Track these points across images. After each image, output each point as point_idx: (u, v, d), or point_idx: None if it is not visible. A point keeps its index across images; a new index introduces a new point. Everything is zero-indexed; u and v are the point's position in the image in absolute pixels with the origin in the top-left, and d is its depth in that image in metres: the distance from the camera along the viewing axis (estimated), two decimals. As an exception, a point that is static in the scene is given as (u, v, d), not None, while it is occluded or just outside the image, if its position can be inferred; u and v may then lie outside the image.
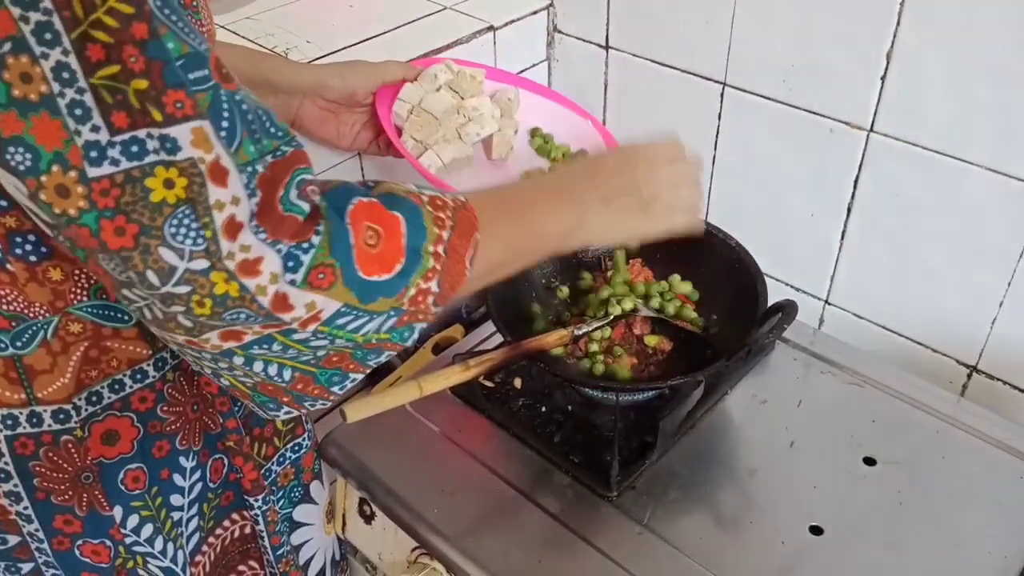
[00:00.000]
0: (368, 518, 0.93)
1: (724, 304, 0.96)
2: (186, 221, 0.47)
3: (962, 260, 0.97)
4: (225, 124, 0.48)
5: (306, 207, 0.52)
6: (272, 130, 0.52)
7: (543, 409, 0.94)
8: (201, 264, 0.48)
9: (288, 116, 0.89)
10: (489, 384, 0.97)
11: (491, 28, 1.15)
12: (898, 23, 0.89)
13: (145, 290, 0.49)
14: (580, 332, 0.88)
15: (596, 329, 0.90)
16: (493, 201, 0.66)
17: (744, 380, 0.97)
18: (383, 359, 0.60)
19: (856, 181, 1.01)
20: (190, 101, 0.47)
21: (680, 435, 0.90)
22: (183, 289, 0.49)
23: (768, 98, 1.04)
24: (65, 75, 0.44)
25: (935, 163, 0.93)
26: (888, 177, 0.98)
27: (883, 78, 0.93)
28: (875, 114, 0.95)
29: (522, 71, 1.23)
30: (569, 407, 0.94)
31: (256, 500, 0.78)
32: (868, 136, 0.97)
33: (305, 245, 0.51)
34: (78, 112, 0.45)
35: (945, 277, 0.99)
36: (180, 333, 0.52)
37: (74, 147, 0.45)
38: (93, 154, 0.45)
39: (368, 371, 0.60)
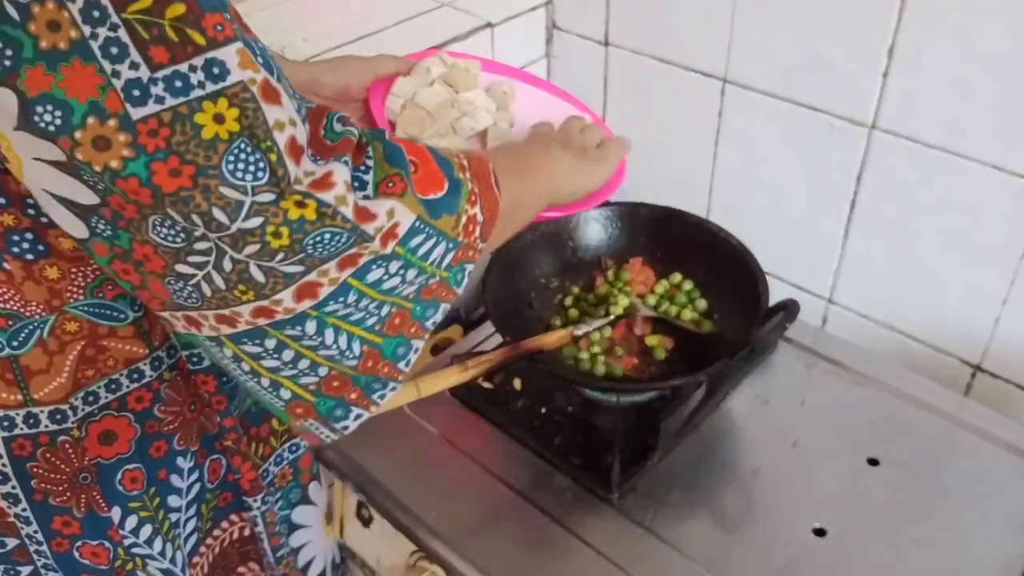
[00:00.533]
0: (366, 521, 0.92)
1: (726, 303, 0.95)
2: (243, 155, 0.46)
3: (965, 258, 0.96)
4: (261, 57, 0.47)
5: (354, 130, 0.52)
6: (292, 91, 0.51)
7: (543, 410, 0.94)
8: (268, 196, 0.47)
9: None
10: (489, 385, 0.96)
11: (489, 25, 1.14)
12: (899, 19, 0.88)
13: (214, 234, 0.47)
14: (580, 332, 0.87)
15: (596, 329, 0.89)
16: (503, 152, 0.72)
17: (747, 380, 0.96)
18: (439, 317, 0.60)
19: (858, 178, 1.00)
20: (229, 25, 0.45)
21: (682, 436, 0.89)
22: (255, 222, 0.47)
23: (769, 95, 1.03)
24: (95, 13, 0.42)
25: (937, 160, 0.92)
26: (890, 174, 0.97)
27: (885, 74, 0.92)
28: (877, 111, 0.94)
29: (521, 68, 1.22)
30: (569, 408, 0.94)
31: (255, 501, 0.77)
32: (870, 133, 0.96)
33: (363, 168, 0.51)
34: (114, 50, 0.42)
35: (948, 275, 0.98)
36: (250, 298, 0.50)
37: (112, 92, 0.43)
38: (136, 93, 0.43)
39: (427, 337, 0.60)
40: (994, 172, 0.89)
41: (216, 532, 0.78)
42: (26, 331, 0.57)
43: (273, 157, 0.46)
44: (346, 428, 0.60)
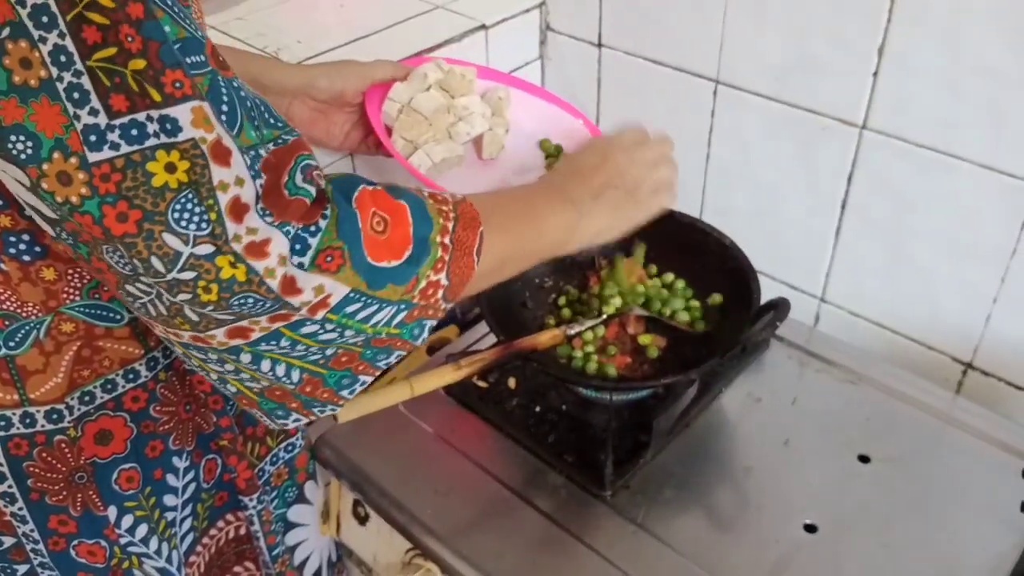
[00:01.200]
0: (362, 519, 0.93)
1: (718, 301, 0.95)
2: (189, 205, 0.47)
3: (956, 257, 0.97)
4: (225, 108, 0.48)
5: (312, 190, 0.52)
6: (271, 120, 0.51)
7: (537, 409, 0.94)
8: (206, 249, 0.48)
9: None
10: (483, 384, 0.97)
11: (483, 27, 1.14)
12: (889, 19, 0.89)
13: (151, 278, 0.49)
14: (573, 331, 0.88)
15: (589, 328, 0.90)
16: (492, 200, 0.66)
17: (739, 378, 0.97)
18: (393, 360, 0.60)
19: (850, 178, 1.01)
20: (188, 81, 0.46)
21: (674, 434, 0.90)
22: (188, 275, 0.48)
23: (761, 95, 1.04)
24: (62, 58, 0.43)
25: (928, 159, 0.93)
26: (881, 174, 0.98)
27: (875, 74, 0.93)
28: (867, 111, 0.95)
29: (515, 70, 1.23)
30: (563, 406, 0.94)
31: (251, 500, 0.78)
32: (861, 133, 0.97)
33: (312, 228, 0.50)
34: (76, 96, 0.44)
35: (939, 274, 0.99)
36: (186, 329, 0.51)
37: (74, 132, 0.45)
38: (92, 138, 0.45)
39: (378, 373, 0.60)
40: (984, 171, 0.90)
41: (212, 531, 0.78)
42: (23, 331, 0.58)
43: (213, 216, 0.47)
44: (286, 425, 0.61)
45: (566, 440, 0.90)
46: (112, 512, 0.67)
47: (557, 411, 0.94)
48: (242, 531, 0.81)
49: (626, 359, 0.91)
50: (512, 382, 0.97)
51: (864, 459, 0.87)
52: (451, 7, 1.19)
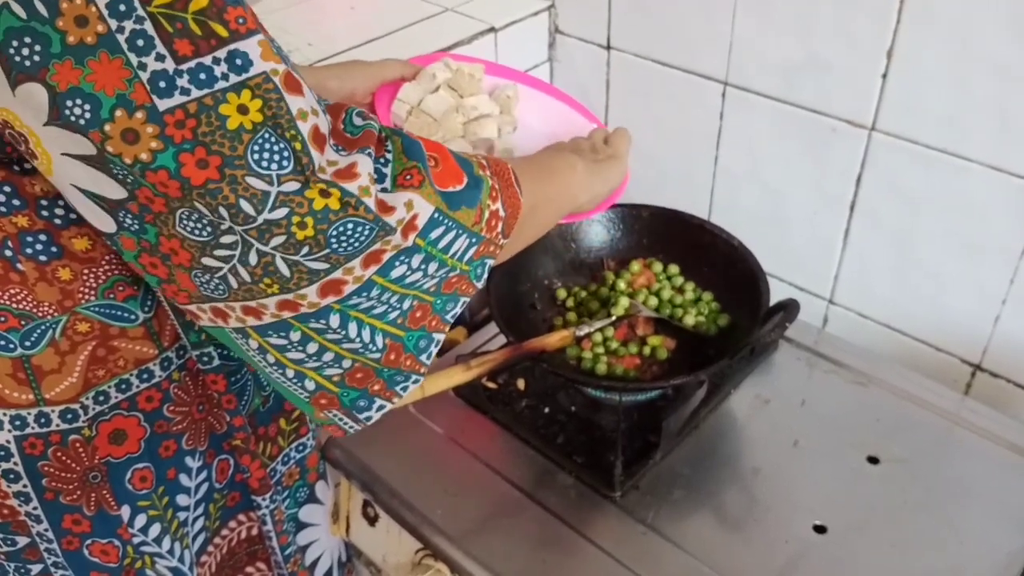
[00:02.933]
0: (372, 520, 0.93)
1: (727, 303, 0.96)
2: (268, 145, 0.46)
3: (965, 258, 0.97)
4: (279, 53, 0.48)
5: (375, 123, 0.53)
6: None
7: (546, 410, 0.94)
8: (294, 185, 0.47)
9: None
10: (492, 385, 0.97)
11: (492, 29, 1.15)
12: (898, 21, 0.89)
13: (240, 226, 0.47)
14: (582, 333, 0.88)
15: (598, 329, 0.90)
16: (518, 160, 0.69)
17: (748, 379, 0.97)
18: (459, 309, 0.61)
19: (858, 179, 1.01)
20: (251, 17, 0.46)
21: (684, 435, 0.90)
22: (280, 213, 0.47)
23: (769, 97, 1.04)
24: (122, 7, 0.43)
25: (937, 161, 0.93)
26: (890, 175, 0.98)
27: (884, 76, 0.93)
28: (876, 112, 0.95)
29: (524, 71, 1.23)
30: (572, 408, 0.95)
31: (263, 500, 0.78)
32: (870, 134, 0.97)
33: (383, 160, 0.52)
34: (140, 43, 0.43)
35: (948, 275, 0.99)
36: (275, 291, 0.50)
37: (138, 85, 0.44)
38: (162, 84, 0.44)
39: (447, 329, 0.61)
40: (993, 172, 0.90)
41: (224, 532, 0.79)
42: (38, 331, 0.58)
43: (298, 146, 0.47)
44: (369, 419, 0.60)
45: (575, 441, 0.90)
46: (126, 511, 0.68)
47: (566, 412, 0.94)
48: (254, 531, 0.81)
49: (635, 360, 0.92)
50: (521, 383, 0.97)
51: (873, 460, 0.88)
52: (460, 10, 1.19)
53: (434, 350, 0.61)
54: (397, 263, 0.53)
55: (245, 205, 0.47)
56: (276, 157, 0.46)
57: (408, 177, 0.52)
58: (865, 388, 0.96)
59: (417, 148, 0.54)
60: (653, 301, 0.96)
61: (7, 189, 0.53)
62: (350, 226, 0.49)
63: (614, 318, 0.92)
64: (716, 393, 0.94)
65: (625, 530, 0.82)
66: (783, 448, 0.89)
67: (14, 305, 0.57)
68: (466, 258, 0.57)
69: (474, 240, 0.57)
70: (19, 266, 0.56)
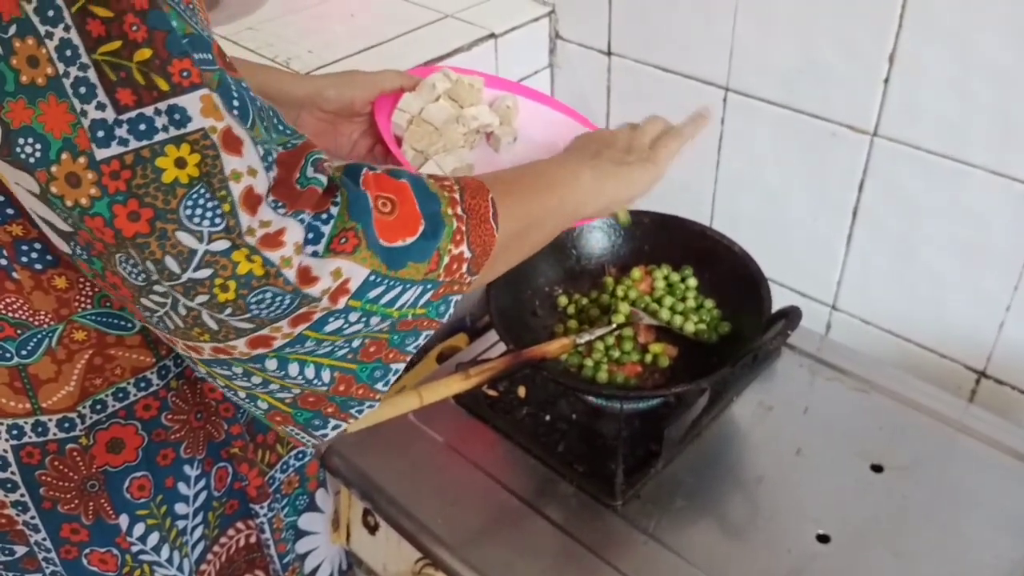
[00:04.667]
0: (372, 528, 0.93)
1: (728, 310, 0.95)
2: (201, 201, 0.46)
3: (968, 264, 0.96)
4: (236, 102, 0.47)
5: (323, 179, 0.51)
6: (280, 126, 0.51)
7: (547, 418, 0.94)
8: (221, 245, 0.47)
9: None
10: (493, 393, 0.97)
11: (492, 36, 1.15)
12: (899, 26, 0.89)
13: (165, 282, 0.47)
14: (583, 340, 0.88)
15: (599, 338, 0.90)
16: (495, 173, 0.66)
17: (750, 387, 0.97)
18: (421, 341, 0.59)
19: (860, 185, 1.00)
20: (197, 71, 0.45)
21: (685, 443, 0.90)
22: (204, 273, 0.47)
23: (770, 102, 1.03)
24: (68, 52, 0.43)
25: (939, 166, 0.93)
26: (892, 181, 0.97)
27: (886, 81, 0.92)
28: (878, 118, 0.95)
29: (524, 78, 1.23)
30: (573, 416, 0.94)
31: (261, 508, 0.78)
32: (872, 140, 0.97)
33: (324, 216, 0.49)
34: (82, 90, 0.43)
35: (951, 282, 0.98)
36: (206, 340, 0.50)
37: (81, 130, 0.44)
38: (100, 134, 0.44)
39: (408, 359, 0.59)
40: (996, 178, 0.89)
41: (223, 540, 0.79)
42: (35, 340, 0.58)
43: (227, 208, 0.46)
44: (325, 436, 0.60)
45: (576, 449, 0.90)
46: (124, 520, 0.67)
47: (567, 420, 0.94)
48: (252, 539, 0.81)
49: (637, 368, 0.91)
50: (522, 391, 0.97)
51: (877, 468, 0.87)
52: (461, 16, 1.19)
53: (392, 378, 0.59)
54: (332, 319, 0.52)
55: (171, 263, 0.46)
56: (208, 214, 0.46)
57: (343, 241, 0.50)
58: (868, 395, 0.95)
59: (362, 204, 0.51)
60: (654, 308, 0.95)
61: (0, 199, 0.53)
62: (269, 294, 0.49)
63: (614, 326, 0.91)
64: (718, 401, 0.93)
65: (626, 539, 0.81)
66: (786, 456, 0.89)
67: (10, 314, 0.57)
68: (420, 303, 0.56)
69: (429, 287, 0.55)
70: (15, 275, 0.56)
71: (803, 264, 1.11)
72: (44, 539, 0.65)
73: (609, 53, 1.18)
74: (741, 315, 0.92)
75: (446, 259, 0.55)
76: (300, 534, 0.86)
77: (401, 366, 0.59)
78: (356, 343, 0.55)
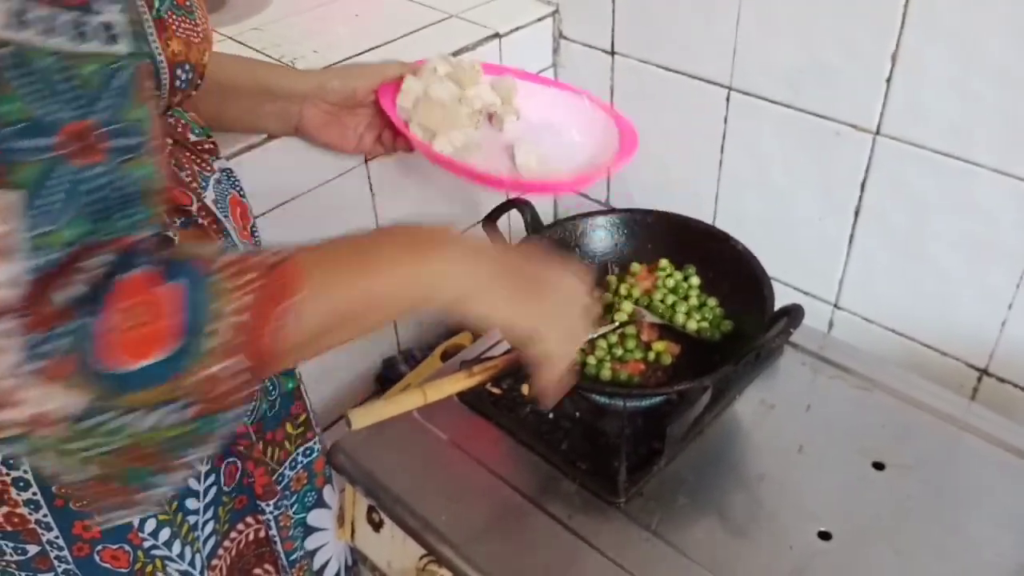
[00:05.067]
0: (377, 526, 0.93)
1: (731, 308, 0.95)
2: None
3: (971, 262, 0.96)
4: (41, 201, 0.44)
5: (78, 291, 0.45)
6: (133, 212, 0.48)
7: (550, 416, 0.94)
8: None
9: (290, 123, 0.90)
10: (496, 391, 0.97)
11: (497, 35, 1.15)
12: (902, 25, 0.89)
13: None
14: (587, 337, 0.88)
15: (601, 335, 0.90)
16: (335, 253, 0.57)
17: (752, 385, 0.97)
18: (205, 454, 0.52)
19: (863, 184, 1.01)
20: (3, 168, 0.43)
21: (688, 441, 0.90)
22: None
23: (774, 102, 1.04)
24: None
25: (942, 165, 0.93)
26: (895, 179, 0.98)
27: (888, 80, 0.93)
28: (881, 116, 0.95)
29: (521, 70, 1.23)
30: (576, 413, 0.94)
31: (268, 505, 0.78)
32: (874, 139, 0.97)
33: (52, 334, 0.44)
34: None
35: (954, 280, 0.99)
36: None
37: None
38: None
39: (191, 469, 0.53)
40: (999, 176, 0.90)
41: (232, 534, 0.79)
42: None
43: None
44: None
45: (579, 447, 0.90)
46: (135, 517, 0.68)
47: (570, 418, 0.94)
48: (261, 534, 0.82)
49: (640, 366, 0.92)
50: (525, 389, 0.97)
51: (879, 466, 0.87)
52: (465, 16, 1.20)
53: (169, 488, 0.52)
54: (58, 433, 0.46)
55: None
56: None
57: (57, 366, 0.44)
58: (870, 393, 0.96)
59: (87, 329, 0.44)
60: (657, 306, 0.96)
61: None
62: None
63: (617, 324, 0.92)
64: (720, 399, 0.94)
65: (629, 536, 0.82)
66: (788, 454, 0.89)
67: None
68: (174, 422, 0.48)
69: (180, 406, 0.48)
70: None
71: (806, 262, 1.12)
72: (56, 537, 0.66)
73: (613, 53, 1.18)
74: (743, 313, 0.92)
75: (198, 377, 0.48)
76: (309, 530, 0.86)
77: (183, 474, 0.53)
78: (120, 444, 0.49)
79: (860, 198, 1.02)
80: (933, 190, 0.95)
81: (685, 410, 0.87)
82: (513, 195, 1.00)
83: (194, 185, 0.71)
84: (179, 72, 0.62)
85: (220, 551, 0.78)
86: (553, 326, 0.67)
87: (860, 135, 0.98)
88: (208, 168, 0.75)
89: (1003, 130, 0.87)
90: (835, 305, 1.12)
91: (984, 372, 1.01)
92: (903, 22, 0.89)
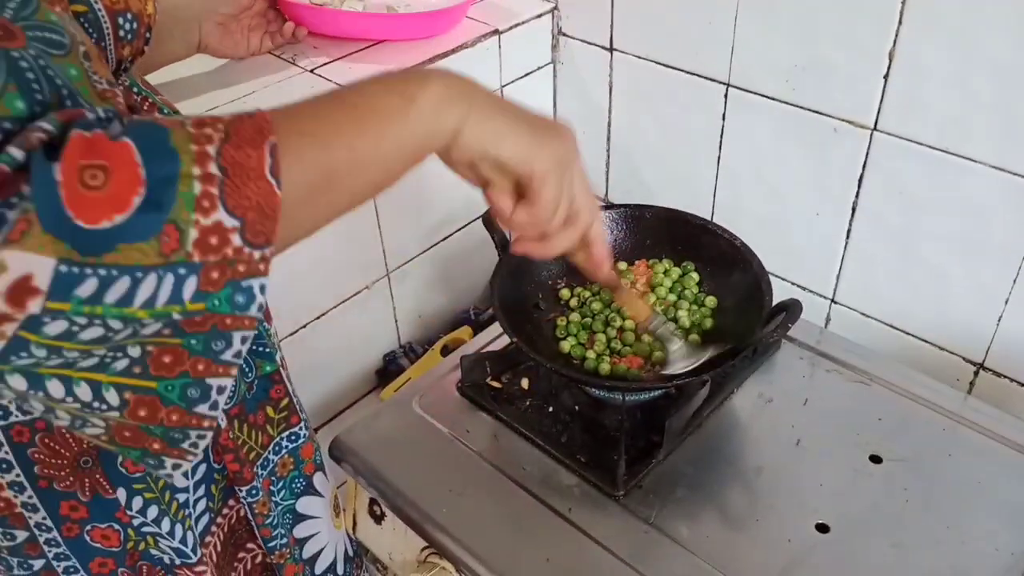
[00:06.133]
0: (378, 518, 0.94)
1: (730, 303, 0.96)
2: None
3: (968, 257, 0.97)
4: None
5: (18, 155, 0.41)
6: (64, 91, 0.45)
7: (550, 409, 0.95)
8: None
9: (193, 41, 0.98)
10: (497, 384, 0.98)
11: (496, 32, 1.15)
12: (900, 21, 0.90)
13: None
14: (655, 323, 0.86)
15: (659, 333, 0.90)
16: (292, 108, 0.51)
17: (750, 379, 0.97)
18: (240, 346, 0.48)
19: (860, 180, 1.01)
20: None
21: (686, 434, 0.91)
22: None
23: (772, 98, 1.04)
24: None
25: (939, 161, 0.93)
26: (892, 175, 0.98)
27: (886, 76, 0.93)
28: (878, 112, 0.96)
29: (528, 74, 1.24)
30: (576, 407, 0.95)
31: (240, 491, 0.77)
32: (872, 135, 0.97)
33: (14, 200, 0.40)
34: None
35: (951, 275, 0.99)
36: None
37: None
38: None
39: (234, 372, 0.48)
40: (995, 172, 0.90)
41: (225, 511, 0.78)
42: None
43: None
44: (170, 476, 0.51)
45: (579, 440, 0.91)
46: (122, 494, 0.66)
47: (570, 412, 0.95)
48: (243, 512, 0.80)
49: (638, 359, 0.92)
50: (525, 382, 0.98)
51: (876, 459, 0.88)
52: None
53: (219, 398, 0.48)
54: (48, 320, 0.41)
55: None
56: None
57: (16, 229, 0.40)
58: (867, 387, 0.96)
59: (43, 182, 0.40)
60: (671, 311, 0.96)
61: None
62: None
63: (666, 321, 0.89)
64: (719, 393, 0.94)
65: (628, 529, 0.82)
66: (785, 447, 0.90)
67: None
68: (185, 296, 0.44)
69: (181, 271, 0.43)
70: None
71: (803, 258, 1.12)
72: (44, 518, 0.65)
73: (611, 49, 1.19)
74: (742, 308, 0.93)
75: (193, 233, 0.43)
76: (299, 518, 0.85)
77: (224, 381, 0.48)
78: (135, 351, 0.45)
79: (857, 194, 1.02)
80: (930, 186, 0.96)
81: (684, 404, 0.88)
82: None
83: None
84: (121, 22, 0.62)
85: (213, 527, 0.77)
86: (568, 167, 0.60)
87: (858, 131, 0.98)
88: None
89: (1000, 126, 0.88)
90: (832, 300, 1.12)
91: (981, 366, 1.02)
92: (901, 19, 0.89)
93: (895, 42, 0.91)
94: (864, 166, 1.00)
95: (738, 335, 0.89)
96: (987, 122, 0.89)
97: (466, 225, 1.28)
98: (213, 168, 0.44)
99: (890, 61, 0.92)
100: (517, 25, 1.18)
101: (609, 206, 1.04)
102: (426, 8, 1.15)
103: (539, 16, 1.21)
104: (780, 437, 0.91)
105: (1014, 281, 0.94)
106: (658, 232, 1.02)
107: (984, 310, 0.98)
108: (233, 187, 0.44)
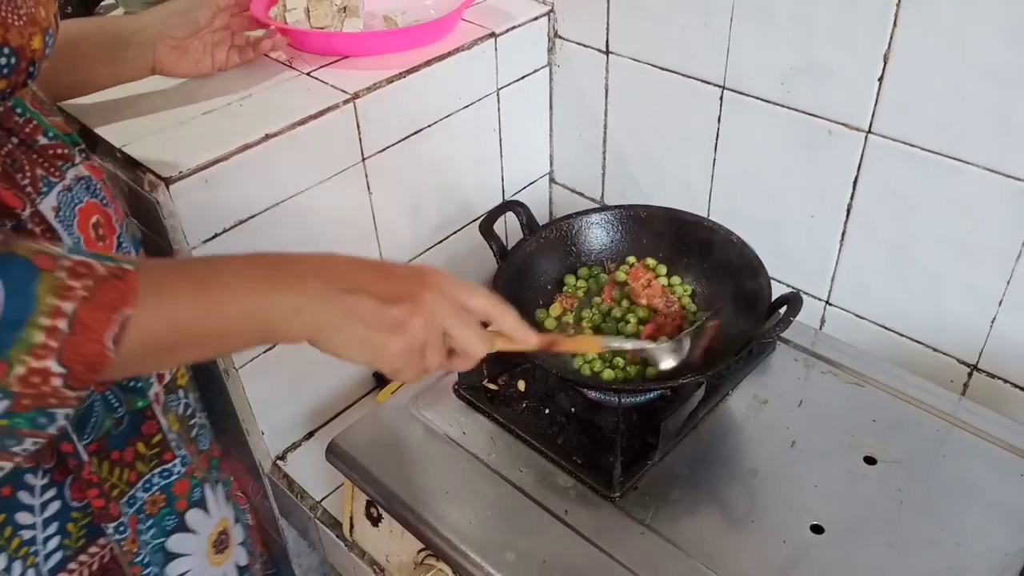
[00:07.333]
0: (375, 520, 0.94)
1: (728, 302, 0.96)
2: None
3: (961, 259, 0.97)
4: None
5: None
6: None
7: (546, 411, 0.95)
8: None
9: (146, 65, 0.95)
10: (493, 386, 0.98)
11: (492, 35, 1.16)
12: (895, 24, 0.90)
13: None
14: (611, 346, 0.83)
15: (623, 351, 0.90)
16: (176, 274, 0.56)
17: (745, 381, 0.98)
18: (30, 447, 0.52)
19: (855, 182, 1.02)
20: None
21: (682, 436, 0.91)
22: None
23: (767, 101, 1.05)
24: None
25: (933, 163, 0.94)
26: (887, 178, 0.99)
27: (880, 79, 0.93)
28: (873, 115, 0.96)
29: (523, 76, 1.24)
30: (572, 409, 0.95)
31: (107, 528, 0.75)
32: (866, 137, 0.98)
33: None
34: None
35: (945, 277, 1.00)
36: None
37: None
38: None
39: (16, 461, 0.53)
40: (989, 174, 0.91)
41: (93, 548, 0.76)
42: None
43: None
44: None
45: (575, 442, 0.91)
46: None
47: (566, 413, 0.95)
48: (107, 559, 0.78)
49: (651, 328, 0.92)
50: (521, 384, 0.98)
51: (870, 460, 0.88)
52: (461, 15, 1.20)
53: None
54: None
55: None
56: None
57: None
58: (862, 389, 0.97)
59: None
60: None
61: None
62: None
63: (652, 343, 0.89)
64: (714, 394, 0.95)
65: (624, 530, 0.82)
66: (781, 449, 0.90)
67: None
68: None
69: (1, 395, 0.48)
70: None
71: (798, 259, 1.13)
72: None
73: (607, 52, 1.19)
74: (741, 305, 0.93)
75: (19, 370, 0.47)
76: (170, 556, 0.83)
77: (6, 465, 0.53)
78: None
79: (852, 196, 1.03)
80: (924, 188, 0.96)
81: (679, 406, 0.88)
82: (507, 198, 1.02)
83: (29, 190, 0.65)
84: None
85: (72, 565, 0.74)
86: (432, 330, 0.62)
87: (852, 133, 0.99)
88: (57, 174, 0.68)
89: (995, 129, 0.88)
90: (827, 302, 1.13)
91: (975, 368, 1.02)
92: (896, 21, 0.90)
93: (890, 44, 0.91)
94: (859, 168, 1.00)
95: (736, 335, 0.89)
96: (982, 125, 0.89)
97: (462, 228, 1.28)
98: (62, 325, 0.48)
99: (885, 63, 0.92)
100: (513, 28, 1.18)
101: (604, 208, 1.04)
102: (424, 13, 1.15)
103: (535, 19, 1.21)
104: (775, 439, 0.91)
105: (1008, 282, 0.95)
106: (654, 231, 1.04)
107: (978, 312, 0.99)
108: (72, 344, 0.48)
